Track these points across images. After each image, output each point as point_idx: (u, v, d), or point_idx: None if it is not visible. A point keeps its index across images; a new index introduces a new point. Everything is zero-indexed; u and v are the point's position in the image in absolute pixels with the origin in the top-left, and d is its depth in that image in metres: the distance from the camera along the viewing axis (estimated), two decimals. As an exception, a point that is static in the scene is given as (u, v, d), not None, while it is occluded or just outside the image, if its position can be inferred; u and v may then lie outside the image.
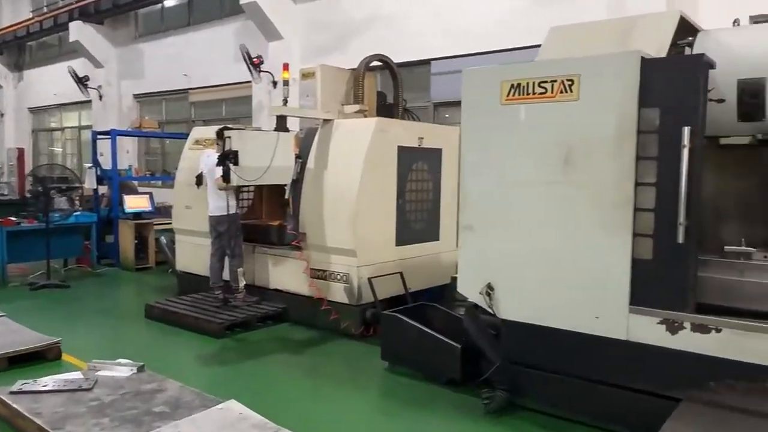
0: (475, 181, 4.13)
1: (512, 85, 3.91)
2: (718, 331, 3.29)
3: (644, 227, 3.50)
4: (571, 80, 3.69)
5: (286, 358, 5.34)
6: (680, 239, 3.32)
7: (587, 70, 3.63)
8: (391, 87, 7.18)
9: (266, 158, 5.47)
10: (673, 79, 3.39)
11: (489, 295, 4.07)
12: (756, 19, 3.98)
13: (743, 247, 3.75)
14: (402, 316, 4.82)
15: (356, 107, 6.45)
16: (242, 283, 6.31)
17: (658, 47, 3.78)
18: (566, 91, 3.71)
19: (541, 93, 3.81)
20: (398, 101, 7.11)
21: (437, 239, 6.68)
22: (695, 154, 3.32)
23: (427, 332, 4.62)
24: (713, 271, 3.70)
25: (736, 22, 4.11)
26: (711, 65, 3.44)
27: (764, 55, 3.60)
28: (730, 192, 4.08)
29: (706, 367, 3.31)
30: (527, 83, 3.85)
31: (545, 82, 3.78)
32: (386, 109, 7.09)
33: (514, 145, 3.94)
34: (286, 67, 6.05)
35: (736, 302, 3.56)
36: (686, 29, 3.98)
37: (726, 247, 3.79)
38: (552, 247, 3.81)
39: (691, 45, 3.88)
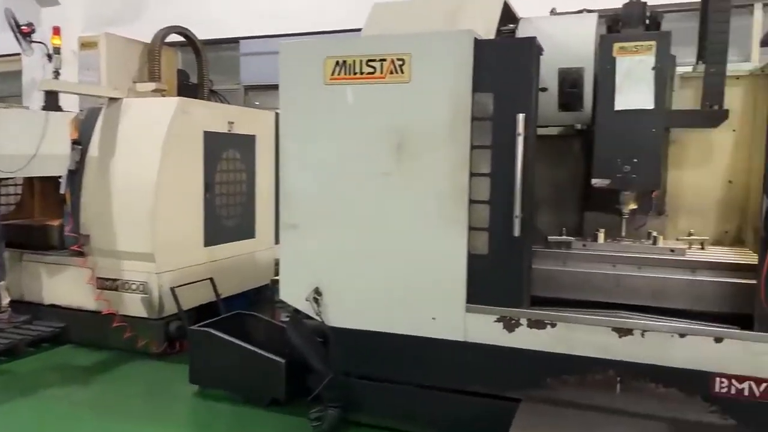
0: (297, 172, 3.61)
1: (338, 62, 3.45)
2: (553, 326, 3.19)
3: (479, 220, 3.28)
4: (402, 59, 3.33)
5: (68, 391, 4.31)
6: (516, 232, 3.15)
7: (418, 49, 3.30)
8: (195, 66, 6.33)
9: (32, 144, 4.36)
10: (507, 62, 3.20)
11: (317, 301, 3.60)
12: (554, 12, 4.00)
13: (564, 237, 3.74)
14: (213, 330, 4.13)
15: (152, 85, 5.50)
16: (6, 300, 5.05)
17: (485, 31, 3.59)
18: (397, 72, 3.35)
19: (369, 73, 3.40)
20: (203, 81, 6.29)
21: (253, 236, 6.02)
22: (529, 142, 3.16)
23: (244, 347, 4.00)
24: (539, 263, 3.63)
25: (553, 11, 4.11)
26: (541, 50, 3.31)
27: (583, 44, 3.58)
28: (546, 182, 4.08)
29: (544, 363, 3.20)
30: (354, 61, 3.42)
31: (374, 60, 3.39)
32: (189, 89, 6.25)
33: (341, 131, 3.49)
34: (56, 31, 4.93)
35: (560, 292, 3.51)
36: (508, 16, 3.86)
37: (549, 237, 3.76)
38: (385, 245, 3.45)
39: (513, 32, 3.76)
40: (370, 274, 3.49)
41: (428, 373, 3.43)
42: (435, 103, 3.29)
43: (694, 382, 2.96)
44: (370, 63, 3.39)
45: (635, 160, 3.40)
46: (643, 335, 3.03)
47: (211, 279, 5.17)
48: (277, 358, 3.87)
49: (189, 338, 4.29)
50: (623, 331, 3.06)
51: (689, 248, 3.54)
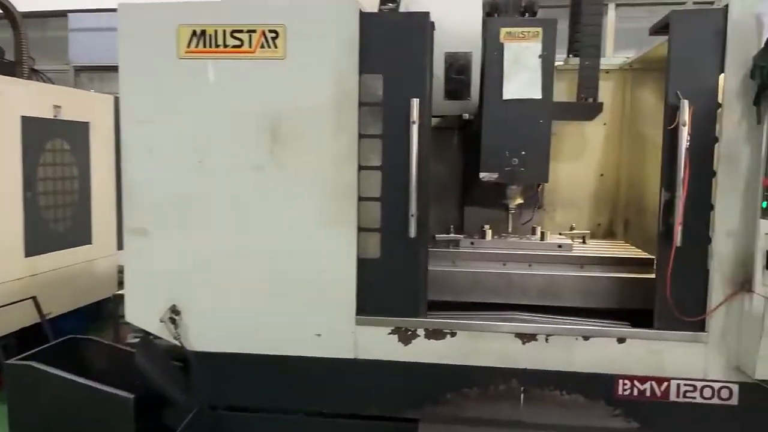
0: (144, 166, 2.94)
1: (194, 32, 2.84)
2: (453, 335, 2.88)
3: (370, 220, 2.87)
4: (275, 32, 2.81)
5: None
6: (412, 233, 2.78)
7: (295, 20, 2.80)
8: (12, 42, 5.25)
9: None
10: (399, 39, 2.81)
11: (174, 321, 2.97)
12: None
13: (452, 235, 3.47)
14: (36, 363, 3.29)
15: (-52, 59, 4.40)
16: None
17: (369, 4, 3.18)
18: (269, 46, 2.82)
19: (235, 46, 2.83)
20: (21, 58, 5.23)
21: (89, 242, 5.10)
22: (424, 131, 2.80)
23: (79, 382, 3.21)
24: (430, 264, 3.32)
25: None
26: (434, 27, 2.97)
27: (471, 27, 3.30)
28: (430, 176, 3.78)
29: (443, 378, 2.88)
30: (216, 31, 2.83)
31: (240, 31, 2.82)
32: (4, 67, 5.20)
33: (200, 116, 2.89)
34: None
35: (450, 295, 3.22)
36: (389, -7, 3.49)
37: (437, 235, 3.46)
38: (258, 251, 2.92)
39: (396, 9, 3.39)
40: (240, 287, 2.94)
41: (314, 398, 2.96)
42: (315, 84, 2.82)
43: (597, 387, 2.81)
44: (236, 35, 2.83)
45: (523, 153, 3.20)
46: (547, 340, 2.82)
47: (34, 298, 4.22)
48: (124, 394, 3.14)
49: (5, 374, 3.41)
50: (527, 337, 2.83)
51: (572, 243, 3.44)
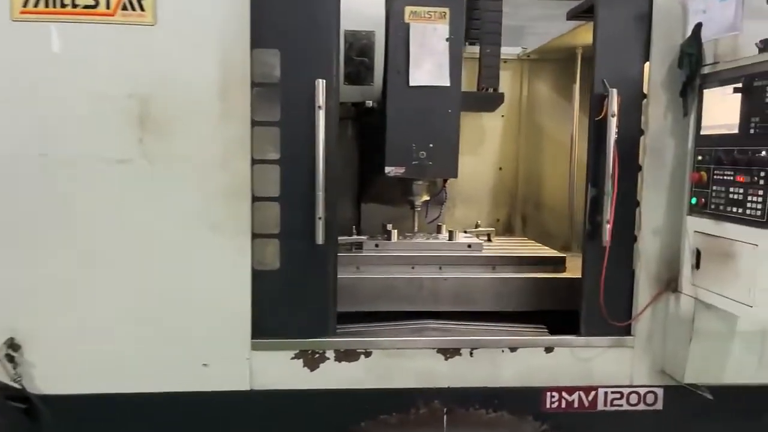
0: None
1: (31, -13, 2.19)
2: (368, 355, 2.50)
3: (267, 224, 2.40)
4: (141, -10, 2.24)
5: None
6: (319, 238, 2.36)
7: (167, -23, 2.25)
8: None
9: None
10: (300, 8, 2.35)
11: (12, 359, 2.30)
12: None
13: (355, 237, 3.10)
14: None
15: None
16: None
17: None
18: (134, 8, 2.24)
19: (89, 7, 2.22)
20: None
21: None
22: (332, 117, 2.38)
23: None
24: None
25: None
26: (339, -1, 2.55)
27: (374, 2, 2.92)
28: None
29: (357, 404, 2.49)
30: (61, -14, 2.20)
31: (94, -12, 2.22)
32: None
33: (44, 96, 2.24)
34: None
35: (356, 305, 2.83)
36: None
37: (340, 237, 3.06)
38: (123, 266, 2.33)
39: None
40: (101, 312, 2.34)
41: (201, 441, 2.45)
42: (196, 58, 2.29)
43: (525, 401, 2.57)
44: (88, -10, 2.22)
45: (431, 146, 2.90)
46: (471, 354, 2.53)
47: None
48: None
49: None
50: (450, 352, 2.52)
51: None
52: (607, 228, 2.43)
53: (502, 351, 2.54)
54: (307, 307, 2.44)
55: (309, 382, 2.46)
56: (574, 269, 2.92)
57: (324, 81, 2.31)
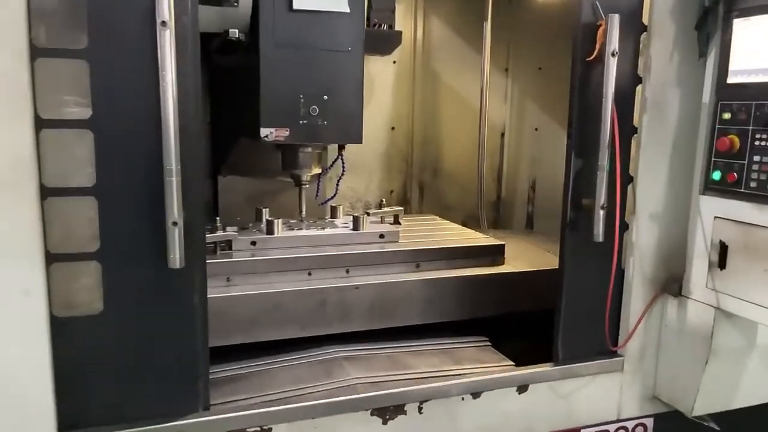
0: None
1: None
2: (266, 432, 1.57)
3: (75, 237, 1.34)
4: None
5: None
6: (176, 260, 1.35)
7: None
8: None
9: None
10: None
11: None
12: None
13: (222, 233, 2.13)
14: None
15: None
16: None
17: None
18: None
19: None
20: None
21: None
22: (190, 44, 1.36)
23: None
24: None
25: None
26: None
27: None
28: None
29: None
30: None
31: None
32: None
33: None
34: None
35: (229, 337, 1.89)
36: None
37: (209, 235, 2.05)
38: None
39: None
40: None
41: None
42: None
43: (491, 463, 1.82)
44: None
45: (326, 98, 2.04)
46: (421, 410, 1.70)
47: None
48: None
49: None
50: (391, 411, 1.67)
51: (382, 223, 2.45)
52: (601, 215, 1.72)
53: (462, 399, 1.74)
54: (158, 373, 1.44)
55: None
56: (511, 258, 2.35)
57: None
